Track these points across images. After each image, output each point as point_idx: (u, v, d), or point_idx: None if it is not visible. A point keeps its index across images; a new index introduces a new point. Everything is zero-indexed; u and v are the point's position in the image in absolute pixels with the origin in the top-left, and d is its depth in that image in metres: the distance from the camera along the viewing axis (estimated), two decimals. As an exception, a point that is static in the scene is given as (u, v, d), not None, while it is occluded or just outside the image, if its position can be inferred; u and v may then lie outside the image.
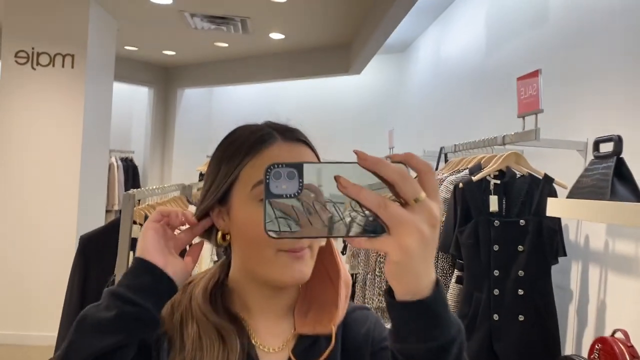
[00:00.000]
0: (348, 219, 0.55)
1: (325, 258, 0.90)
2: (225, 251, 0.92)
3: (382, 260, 2.77)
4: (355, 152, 0.55)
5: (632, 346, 1.57)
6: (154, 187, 2.39)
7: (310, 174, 0.54)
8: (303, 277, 0.81)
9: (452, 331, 0.59)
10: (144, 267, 0.77)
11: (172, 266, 0.79)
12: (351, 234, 0.55)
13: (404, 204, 0.54)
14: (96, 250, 2.17)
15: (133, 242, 1.95)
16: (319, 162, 0.57)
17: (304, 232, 0.55)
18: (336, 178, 0.53)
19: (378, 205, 0.53)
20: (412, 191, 0.54)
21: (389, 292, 0.59)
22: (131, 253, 1.93)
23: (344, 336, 0.88)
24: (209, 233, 0.89)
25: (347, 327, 0.89)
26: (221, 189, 0.83)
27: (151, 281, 0.76)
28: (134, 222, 2.01)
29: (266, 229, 0.54)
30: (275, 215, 0.54)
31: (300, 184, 0.54)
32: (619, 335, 1.63)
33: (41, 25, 4.75)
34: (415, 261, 0.54)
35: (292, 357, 0.84)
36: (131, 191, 1.98)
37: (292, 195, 0.54)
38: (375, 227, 0.54)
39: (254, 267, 0.82)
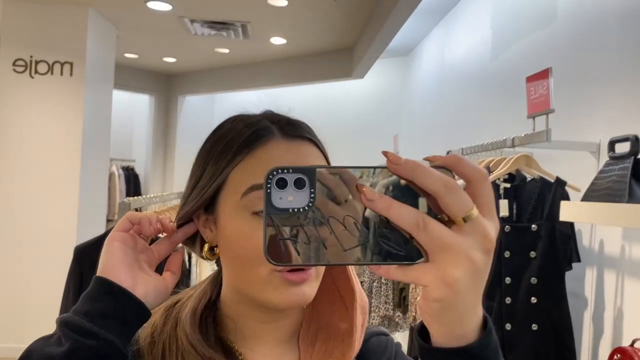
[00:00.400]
0: (373, 241, 0.42)
1: (337, 275, 0.75)
2: (218, 263, 0.78)
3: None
4: (385, 154, 0.42)
5: (654, 357, 1.50)
6: (152, 195, 2.33)
7: (324, 182, 0.42)
8: (304, 300, 0.67)
9: None
10: (105, 289, 0.62)
11: (143, 285, 0.65)
12: (377, 261, 0.42)
13: (449, 221, 0.42)
14: (91, 261, 2.10)
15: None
16: (335, 166, 0.44)
17: (316, 258, 0.43)
18: (359, 187, 0.42)
19: (415, 224, 0.40)
20: (461, 206, 0.41)
21: (421, 333, 0.47)
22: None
23: None
24: (192, 241, 0.76)
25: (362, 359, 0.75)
26: (205, 194, 0.69)
27: (115, 306, 0.61)
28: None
29: (267, 254, 0.42)
30: (279, 236, 0.42)
31: (312, 196, 0.42)
32: (639, 345, 1.57)
33: (39, 33, 4.71)
34: (461, 297, 0.41)
35: None
36: (127, 199, 1.92)
37: (301, 210, 0.42)
38: (409, 253, 0.42)
39: (246, 288, 0.69)
